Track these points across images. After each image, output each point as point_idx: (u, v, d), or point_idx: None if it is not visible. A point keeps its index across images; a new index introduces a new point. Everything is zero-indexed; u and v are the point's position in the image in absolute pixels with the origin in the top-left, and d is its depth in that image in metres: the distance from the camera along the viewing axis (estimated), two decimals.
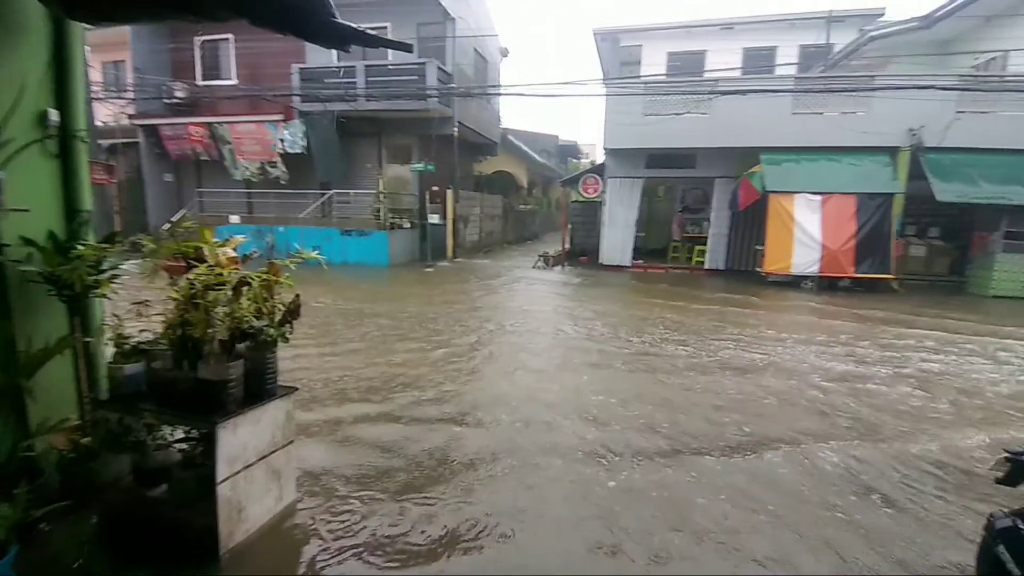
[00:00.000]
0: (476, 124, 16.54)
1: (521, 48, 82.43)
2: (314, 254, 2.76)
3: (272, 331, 2.51)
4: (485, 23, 16.99)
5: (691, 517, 2.80)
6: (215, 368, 2.30)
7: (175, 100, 15.12)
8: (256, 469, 2.49)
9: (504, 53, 20.00)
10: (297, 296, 2.63)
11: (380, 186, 14.21)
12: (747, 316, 8.28)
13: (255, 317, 2.45)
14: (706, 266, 13.54)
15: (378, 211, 14.01)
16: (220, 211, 15.21)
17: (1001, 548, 2.05)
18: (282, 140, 14.39)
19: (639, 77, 14.68)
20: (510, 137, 21.64)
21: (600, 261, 14.16)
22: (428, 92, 13.29)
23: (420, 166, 14.32)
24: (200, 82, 15.63)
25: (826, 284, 10.99)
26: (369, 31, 2.31)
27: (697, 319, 7.85)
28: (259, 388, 2.52)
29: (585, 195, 14.06)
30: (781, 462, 3.45)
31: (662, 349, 6.14)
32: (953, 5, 11.38)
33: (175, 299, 2.33)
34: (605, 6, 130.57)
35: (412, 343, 6.16)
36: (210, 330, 2.31)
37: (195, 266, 2.35)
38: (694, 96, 12.21)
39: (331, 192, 14.60)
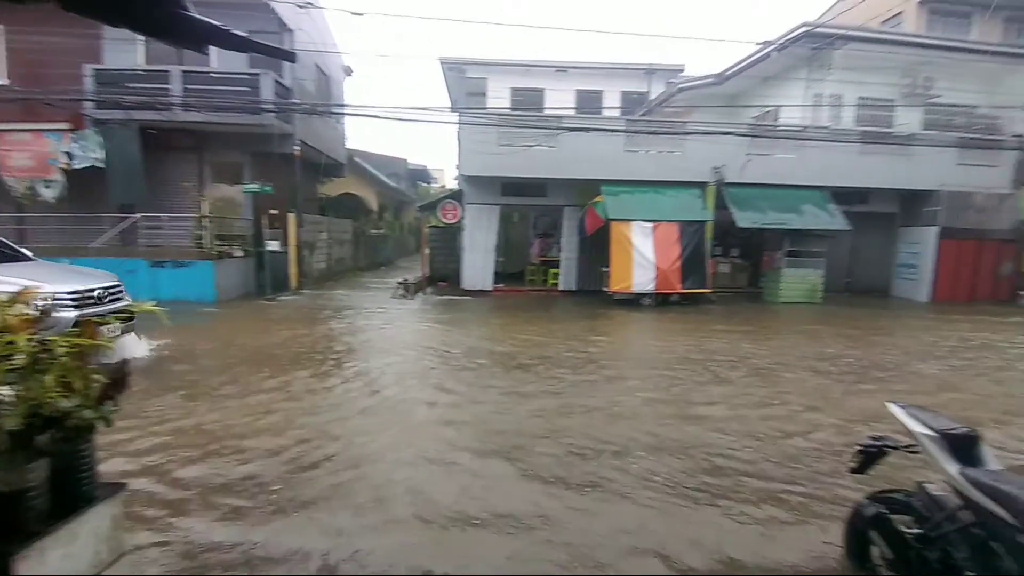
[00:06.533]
0: (320, 143, 15.45)
1: (362, 69, 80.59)
2: (150, 306, 2.17)
3: (88, 412, 1.86)
4: (327, 38, 16.10)
5: None
6: (5, 473, 1.62)
7: None
8: None
9: (347, 71, 19.16)
10: (124, 363, 2.01)
11: (204, 209, 12.31)
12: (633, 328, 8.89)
13: (62, 396, 1.80)
14: (560, 287, 14.36)
15: (201, 237, 12.10)
16: None
17: (874, 534, 2.35)
18: (68, 154, 11.72)
19: (492, 109, 15.23)
20: (357, 159, 20.72)
21: (462, 286, 14.10)
22: (264, 106, 12.04)
23: (255, 187, 12.74)
24: None
25: (660, 300, 12.37)
26: (237, 32, 1.88)
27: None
28: (73, 492, 1.85)
29: (444, 220, 13.95)
30: None
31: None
32: (739, 67, 14.06)
33: None
34: (442, 35, 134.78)
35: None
36: None
37: None
38: (542, 130, 13.00)
39: (136, 216, 12.18)
